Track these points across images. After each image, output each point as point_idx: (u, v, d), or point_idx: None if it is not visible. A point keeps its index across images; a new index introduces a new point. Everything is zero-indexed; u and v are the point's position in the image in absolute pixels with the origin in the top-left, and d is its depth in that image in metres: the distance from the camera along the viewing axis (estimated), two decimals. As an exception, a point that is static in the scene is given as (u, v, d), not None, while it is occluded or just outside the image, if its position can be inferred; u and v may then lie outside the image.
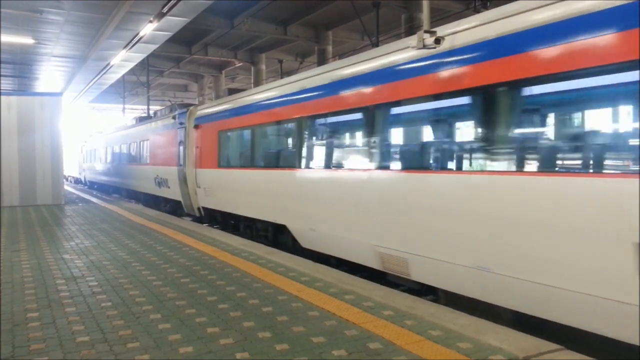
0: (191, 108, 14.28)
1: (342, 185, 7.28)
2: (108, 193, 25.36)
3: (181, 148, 14.28)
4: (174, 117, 15.12)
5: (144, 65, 24.59)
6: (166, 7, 12.84)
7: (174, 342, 3.95)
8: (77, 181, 38.22)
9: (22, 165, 16.25)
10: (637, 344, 3.88)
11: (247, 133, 10.67)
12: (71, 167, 39.85)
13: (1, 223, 11.79)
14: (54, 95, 17.57)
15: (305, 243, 8.55)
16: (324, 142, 7.99)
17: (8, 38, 16.30)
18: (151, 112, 24.75)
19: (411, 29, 16.47)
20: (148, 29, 14.52)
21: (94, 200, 18.98)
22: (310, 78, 8.45)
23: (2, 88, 26.30)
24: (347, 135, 7.83)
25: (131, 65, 20.70)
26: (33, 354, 3.74)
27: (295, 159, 8.58)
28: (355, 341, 3.94)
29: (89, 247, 8.37)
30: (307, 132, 8.36)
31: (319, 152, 8.11)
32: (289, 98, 8.98)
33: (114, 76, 22.91)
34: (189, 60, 26.81)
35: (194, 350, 3.78)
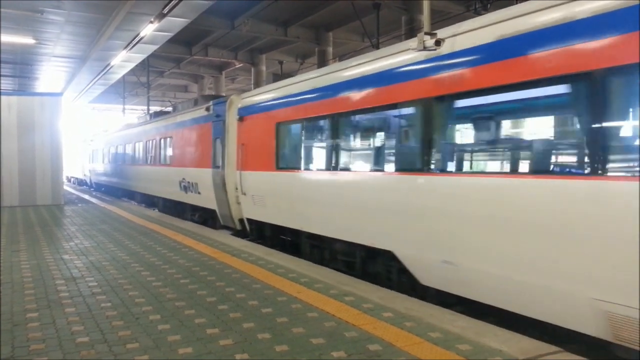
0: (232, 97, 11.68)
1: (534, 202, 4.56)
2: (117, 197, 22.88)
3: (217, 146, 11.82)
4: (207, 109, 12.56)
5: (144, 66, 24.58)
6: (167, 7, 12.84)
7: (173, 342, 3.95)
8: (81, 183, 35.43)
9: (22, 166, 16.25)
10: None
11: (329, 124, 7.79)
12: (74, 168, 37.50)
13: (1, 223, 11.79)
14: (54, 96, 17.57)
15: (428, 279, 5.97)
16: (490, 133, 5.37)
17: (9, 38, 16.30)
18: (152, 110, 24.74)
19: (411, 31, 16.48)
20: (148, 29, 14.52)
21: (94, 200, 18.97)
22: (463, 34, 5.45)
23: (2, 88, 26.32)
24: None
25: (131, 65, 20.68)
26: (33, 354, 3.74)
27: (424, 158, 5.79)
28: (355, 342, 3.94)
29: (88, 248, 8.36)
30: (450, 119, 5.75)
31: (477, 148, 5.58)
32: (415, 68, 5.94)
33: (114, 76, 22.89)
34: (189, 61, 26.81)
35: (194, 351, 3.79)
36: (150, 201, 18.71)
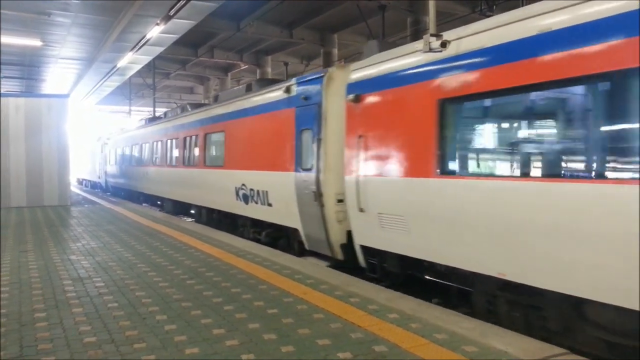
0: (332, 70, 8.21)
1: None
2: (138, 202, 20.69)
3: (306, 140, 8.46)
4: (286, 90, 9.08)
5: (150, 68, 24.69)
6: (173, 9, 12.91)
7: (180, 343, 3.98)
8: (95, 186, 32.12)
9: (29, 167, 16.36)
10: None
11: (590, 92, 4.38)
12: (87, 170, 34.57)
13: (9, 224, 11.87)
14: (61, 97, 17.68)
15: None
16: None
17: (16, 40, 16.44)
18: (157, 112, 24.79)
19: (417, 32, 16.48)
20: (155, 31, 14.60)
21: (100, 201, 19.05)
22: None
23: (10, 90, 26.53)
24: None
25: (138, 67, 20.81)
26: (41, 353, 3.78)
27: None
28: (361, 344, 3.95)
29: (95, 248, 8.41)
30: None
31: None
32: None
33: (120, 78, 23.04)
34: (195, 62, 26.90)
35: (200, 351, 3.81)
36: (183, 209, 15.96)
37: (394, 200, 6.34)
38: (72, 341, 4.02)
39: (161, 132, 17.38)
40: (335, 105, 7.84)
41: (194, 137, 13.99)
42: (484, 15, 12.32)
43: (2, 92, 22.89)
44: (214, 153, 12.93)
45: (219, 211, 12.36)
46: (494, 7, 12.31)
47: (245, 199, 10.55)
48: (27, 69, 22.05)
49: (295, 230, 8.83)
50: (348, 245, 7.56)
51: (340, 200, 7.60)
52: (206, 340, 4.03)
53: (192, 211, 15.36)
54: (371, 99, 6.81)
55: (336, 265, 7.67)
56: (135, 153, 21.00)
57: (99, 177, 29.70)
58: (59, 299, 5.29)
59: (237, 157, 11.06)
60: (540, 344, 3.96)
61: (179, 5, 12.54)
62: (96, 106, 36.97)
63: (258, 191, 9.97)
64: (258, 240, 10.05)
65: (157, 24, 14.00)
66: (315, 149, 8.03)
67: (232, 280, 6.07)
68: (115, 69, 20.40)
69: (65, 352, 3.79)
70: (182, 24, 14.43)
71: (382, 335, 4.13)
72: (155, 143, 17.98)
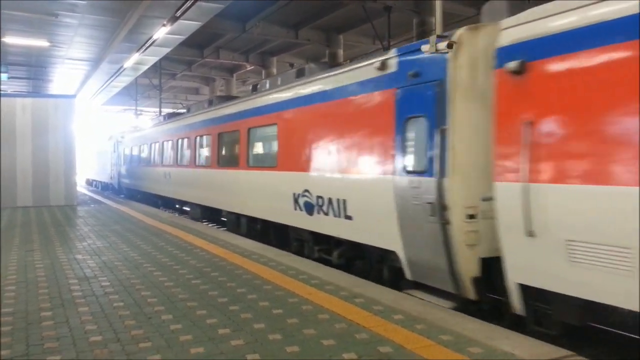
0: (461, 32, 5.69)
1: None
2: (156, 206, 18.90)
3: (415, 133, 6.30)
4: (380, 66, 6.82)
5: (157, 68, 24.78)
6: (179, 11, 12.96)
7: (185, 342, 3.98)
8: (106, 187, 30.03)
9: (35, 167, 16.46)
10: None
11: None
12: (97, 171, 32.80)
13: (15, 223, 11.94)
14: (68, 98, 17.78)
15: None
16: None
17: (24, 40, 16.55)
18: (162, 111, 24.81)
19: (423, 33, 16.46)
20: (161, 32, 14.65)
21: (106, 201, 19.13)
22: None
23: (17, 90, 26.71)
24: None
25: (144, 68, 20.90)
26: (47, 352, 3.79)
27: None
28: (366, 344, 3.94)
29: (101, 248, 8.44)
30: None
31: None
32: None
33: (127, 79, 23.13)
34: (200, 63, 26.97)
35: (205, 351, 3.81)
36: (212, 216, 14.20)
37: (610, 222, 4.05)
38: (78, 340, 4.04)
39: (186, 128, 15.31)
40: (468, 80, 5.63)
41: (231, 133, 11.88)
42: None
43: (9, 92, 23.09)
44: (260, 151, 10.93)
45: (265, 221, 10.23)
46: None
47: (309, 208, 8.40)
48: (34, 69, 22.19)
49: (388, 253, 6.72)
50: (482, 278, 5.50)
51: (471, 216, 5.53)
52: (211, 340, 4.03)
53: (224, 218, 13.42)
54: (556, 66, 4.56)
55: (462, 307, 5.50)
56: (154, 152, 18.87)
57: (111, 178, 27.71)
58: (65, 298, 5.32)
59: (297, 156, 8.77)
60: (547, 346, 3.94)
61: (185, 6, 12.58)
62: (103, 107, 37.14)
63: (330, 199, 7.79)
64: (325, 262, 7.85)
65: (164, 25, 14.06)
66: (436, 143, 5.75)
67: (238, 281, 6.08)
68: (121, 70, 20.49)
69: (71, 351, 3.80)
70: (188, 25, 14.48)
71: (387, 336, 4.13)
72: (179, 141, 15.93)
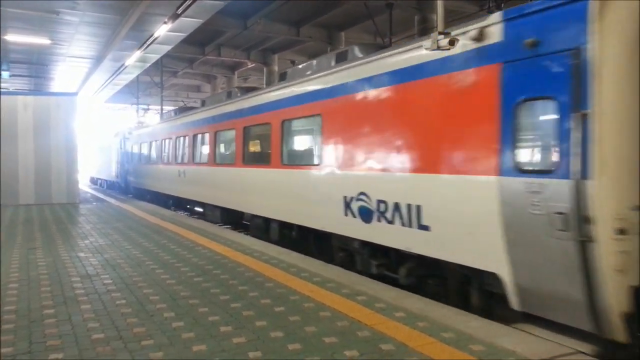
0: None
1: None
2: (166, 206, 17.56)
3: (534, 120, 4.98)
4: (477, 37, 5.38)
5: (158, 66, 24.77)
6: (181, 8, 12.93)
7: (187, 340, 3.99)
8: (112, 186, 28.50)
9: (37, 164, 16.48)
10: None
11: None
12: (102, 169, 31.39)
13: (17, 221, 11.96)
14: (69, 95, 17.79)
15: None
16: None
17: (25, 38, 16.55)
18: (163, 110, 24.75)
19: (425, 30, 16.42)
20: (162, 30, 14.62)
21: (109, 199, 19.15)
22: None
23: (18, 88, 26.74)
24: None
25: (145, 65, 20.87)
26: (49, 350, 3.80)
27: None
28: (367, 342, 3.94)
29: (103, 246, 8.46)
30: None
31: None
32: None
33: (128, 76, 23.12)
34: (202, 61, 26.94)
35: (207, 348, 3.82)
36: (233, 219, 12.77)
37: None
38: (81, 338, 4.05)
39: (203, 122, 13.93)
40: (622, 49, 4.26)
41: (259, 127, 10.58)
42: (492, 13, 12.24)
43: (11, 90, 23.12)
44: (298, 147, 9.68)
45: (302, 228, 8.85)
46: (502, 4, 12.25)
47: (366, 214, 6.93)
48: (35, 67, 22.19)
49: (482, 274, 5.32)
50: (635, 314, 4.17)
51: (622, 231, 4.13)
52: (213, 338, 4.04)
53: (246, 222, 12.35)
54: None
55: (613, 353, 4.30)
56: (166, 149, 17.53)
57: (118, 177, 26.14)
58: (67, 295, 5.33)
59: (350, 152, 7.38)
60: (549, 344, 3.94)
61: (186, 3, 12.56)
62: (105, 104, 37.15)
63: (397, 205, 6.33)
64: (382, 279, 6.56)
65: (165, 23, 14.03)
66: (572, 134, 4.34)
67: (240, 278, 6.08)
68: (123, 67, 20.48)
69: (73, 349, 3.81)
70: (189, 23, 14.46)
71: (389, 333, 4.13)
72: (196, 136, 14.58)
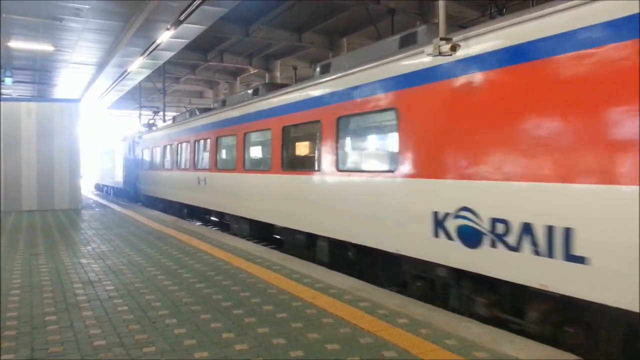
0: None
1: None
2: (181, 215, 16.28)
3: None
4: None
5: (161, 72, 24.86)
6: (183, 14, 13.00)
7: (189, 347, 3.98)
8: (118, 193, 27.12)
9: (40, 170, 16.53)
10: None
11: None
12: (107, 175, 30.14)
13: (20, 227, 11.98)
14: (73, 102, 17.85)
15: None
16: None
17: (29, 45, 16.65)
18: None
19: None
20: (165, 36, 14.69)
21: (111, 205, 19.17)
22: None
23: (22, 94, 26.87)
24: None
25: (148, 72, 20.96)
26: (51, 356, 3.79)
27: None
28: (370, 349, 3.92)
29: (105, 252, 8.45)
30: None
31: None
32: None
33: (131, 83, 23.22)
34: (204, 67, 27.04)
35: (210, 355, 3.80)
36: (264, 233, 11.43)
37: None
38: (83, 344, 4.04)
39: (228, 124, 12.35)
40: None
41: (304, 127, 9.16)
42: (494, 19, 12.27)
43: (14, 96, 23.22)
44: (359, 150, 8.20)
45: (361, 247, 7.30)
46: (504, 10, 12.26)
47: (472, 237, 5.32)
48: (38, 73, 22.31)
49: None
50: None
51: None
52: (215, 344, 4.03)
53: (278, 236, 11.36)
54: None
55: None
56: (183, 154, 15.89)
57: (125, 184, 24.61)
58: (69, 302, 5.32)
59: (442, 154, 5.77)
60: (552, 350, 3.92)
61: (189, 10, 12.62)
62: (108, 110, 37.26)
63: (528, 226, 4.73)
64: (500, 324, 4.99)
65: (168, 29, 14.10)
66: None
67: (242, 284, 6.07)
68: (126, 74, 20.56)
69: (75, 355, 3.80)
70: (192, 29, 14.52)
71: (392, 340, 4.11)
72: (219, 140, 13.06)
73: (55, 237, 10.30)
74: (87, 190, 30.73)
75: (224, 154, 13.14)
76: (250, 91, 12.32)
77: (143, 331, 4.35)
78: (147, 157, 20.88)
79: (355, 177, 7.43)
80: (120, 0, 13.00)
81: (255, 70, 27.13)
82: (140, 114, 30.93)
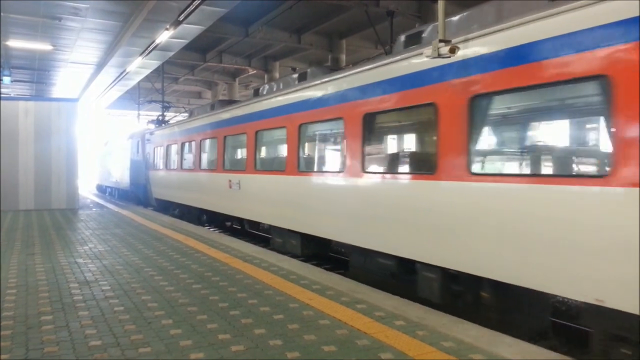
0: None
1: None
2: (200, 222, 14.75)
3: None
4: None
5: (159, 72, 24.85)
6: (182, 15, 13.00)
7: (185, 348, 3.96)
8: (124, 196, 25.23)
9: (37, 170, 16.48)
10: None
11: None
12: (110, 176, 28.67)
13: (17, 226, 11.94)
14: (71, 101, 17.82)
15: None
16: None
17: (27, 44, 16.62)
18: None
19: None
20: (164, 36, 14.69)
21: (108, 205, 19.13)
22: None
23: (20, 93, 26.83)
24: None
25: (147, 72, 20.96)
26: (46, 356, 3.77)
27: None
28: (367, 351, 3.91)
29: (102, 252, 8.43)
30: None
31: None
32: None
33: (129, 82, 23.20)
34: (203, 67, 27.05)
35: (205, 356, 3.79)
36: (321, 250, 9.38)
37: None
38: (78, 344, 4.02)
39: (276, 112, 9.78)
40: None
41: (407, 113, 6.73)
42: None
43: (12, 95, 23.17)
44: (502, 143, 5.98)
45: (501, 285, 5.20)
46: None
47: None
48: (37, 72, 22.27)
49: None
50: None
51: None
52: (212, 345, 4.01)
53: (338, 255, 10.03)
54: None
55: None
56: (210, 152, 13.64)
57: (133, 185, 22.57)
58: (65, 302, 5.30)
59: None
60: (550, 353, 3.91)
61: (188, 10, 12.62)
62: (106, 110, 37.23)
63: None
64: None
65: (167, 29, 14.09)
66: None
67: (238, 285, 6.05)
68: (124, 74, 20.55)
69: (70, 355, 3.78)
70: (191, 29, 14.52)
71: (389, 342, 4.10)
72: (261, 134, 10.63)
73: (52, 236, 10.27)
74: (90, 192, 30.52)
75: (267, 152, 10.90)
76: (295, 75, 10.13)
77: (139, 332, 4.33)
78: (160, 156, 18.34)
79: (515, 185, 4.96)
80: (119, 0, 13.00)
81: (255, 71, 27.14)
82: (138, 114, 30.91)
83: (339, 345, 4.04)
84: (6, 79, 19.57)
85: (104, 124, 44.29)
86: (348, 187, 7.47)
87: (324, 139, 9.05)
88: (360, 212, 7.17)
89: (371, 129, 7.03)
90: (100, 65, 20.13)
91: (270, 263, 7.46)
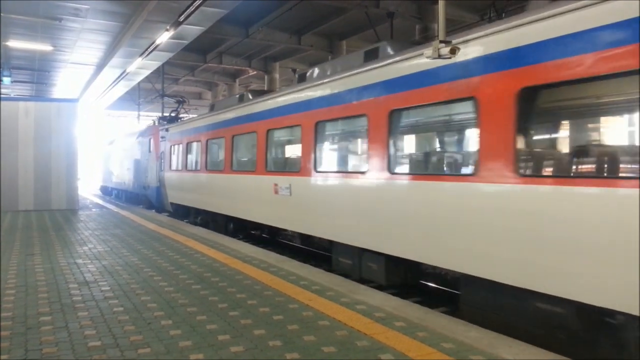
0: None
1: None
2: (227, 231, 12.77)
3: None
4: None
5: (159, 73, 24.86)
6: (182, 15, 13.01)
7: (184, 348, 3.95)
8: (132, 199, 23.43)
9: (37, 170, 16.47)
10: None
11: None
12: (112, 177, 27.81)
13: (16, 227, 11.93)
14: (71, 102, 17.82)
15: None
16: None
17: (27, 45, 16.63)
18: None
19: (425, 39, 16.48)
20: (164, 37, 14.69)
21: (108, 206, 19.12)
22: None
23: (20, 94, 26.83)
24: None
25: (147, 72, 20.97)
26: (45, 357, 3.76)
27: None
28: (367, 352, 3.90)
29: (101, 252, 8.42)
30: None
31: None
32: None
33: (129, 83, 23.22)
34: (203, 68, 27.07)
35: (205, 357, 3.78)
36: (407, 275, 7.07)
37: None
38: (77, 345, 4.01)
39: (353, 96, 7.31)
40: None
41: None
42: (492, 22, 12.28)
43: (12, 95, 23.18)
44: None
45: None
46: (503, 14, 12.29)
47: None
48: (37, 73, 22.28)
49: None
50: None
51: None
52: (211, 346, 4.00)
53: (432, 283, 8.20)
54: None
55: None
56: (247, 151, 11.58)
57: (144, 188, 20.62)
58: (64, 302, 5.29)
59: None
60: (549, 354, 3.90)
61: (188, 11, 12.63)
62: (106, 110, 37.24)
63: None
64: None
65: (167, 30, 14.10)
66: None
67: (238, 286, 6.05)
68: (124, 74, 20.55)
69: (69, 356, 3.77)
70: (191, 30, 14.53)
71: (389, 343, 4.09)
72: (323, 125, 8.26)
73: (52, 237, 10.26)
74: (89, 193, 30.41)
75: (329, 150, 8.63)
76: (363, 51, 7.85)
77: (138, 332, 4.32)
78: (178, 156, 16.03)
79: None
80: (120, 1, 13.00)
81: (254, 72, 27.17)
82: (139, 115, 30.90)
83: (339, 346, 4.03)
84: (6, 80, 19.57)
85: (104, 124, 44.28)
86: (462, 200, 5.44)
87: (415, 131, 7.22)
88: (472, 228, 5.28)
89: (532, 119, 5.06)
90: (100, 66, 20.14)
91: (269, 264, 7.46)
